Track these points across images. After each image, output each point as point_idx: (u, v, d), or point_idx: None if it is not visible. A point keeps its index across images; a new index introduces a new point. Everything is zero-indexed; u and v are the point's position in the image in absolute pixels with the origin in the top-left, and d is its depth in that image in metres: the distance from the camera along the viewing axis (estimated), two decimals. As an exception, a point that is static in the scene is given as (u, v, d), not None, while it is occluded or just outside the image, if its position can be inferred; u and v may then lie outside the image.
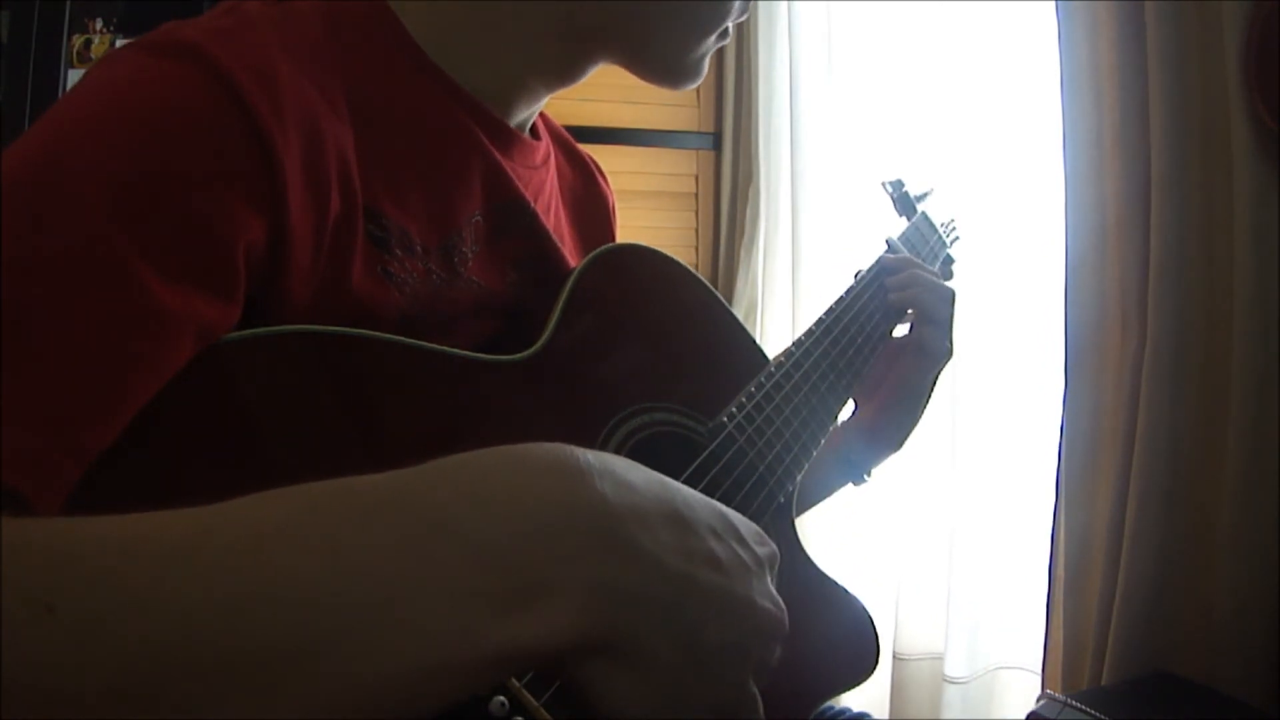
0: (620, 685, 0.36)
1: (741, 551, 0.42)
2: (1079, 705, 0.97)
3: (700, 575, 0.39)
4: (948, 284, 0.85)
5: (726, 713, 0.40)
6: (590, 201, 0.79)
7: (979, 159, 1.56)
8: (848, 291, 0.83)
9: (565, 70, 0.63)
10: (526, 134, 0.67)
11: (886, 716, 1.63)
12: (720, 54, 2.09)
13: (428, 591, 0.32)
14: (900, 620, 1.64)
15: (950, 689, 1.51)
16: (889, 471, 1.62)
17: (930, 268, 0.88)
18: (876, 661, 0.71)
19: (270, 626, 0.29)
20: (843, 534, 1.74)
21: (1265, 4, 0.99)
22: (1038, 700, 1.02)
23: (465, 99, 0.59)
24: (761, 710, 0.42)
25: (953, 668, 1.51)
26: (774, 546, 0.45)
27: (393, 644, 0.30)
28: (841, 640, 0.71)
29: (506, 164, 0.62)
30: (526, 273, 0.64)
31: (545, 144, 0.70)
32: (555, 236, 0.67)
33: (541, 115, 0.72)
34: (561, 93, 0.66)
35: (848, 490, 0.87)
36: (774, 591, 0.43)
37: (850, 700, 1.56)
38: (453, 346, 0.53)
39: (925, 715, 1.57)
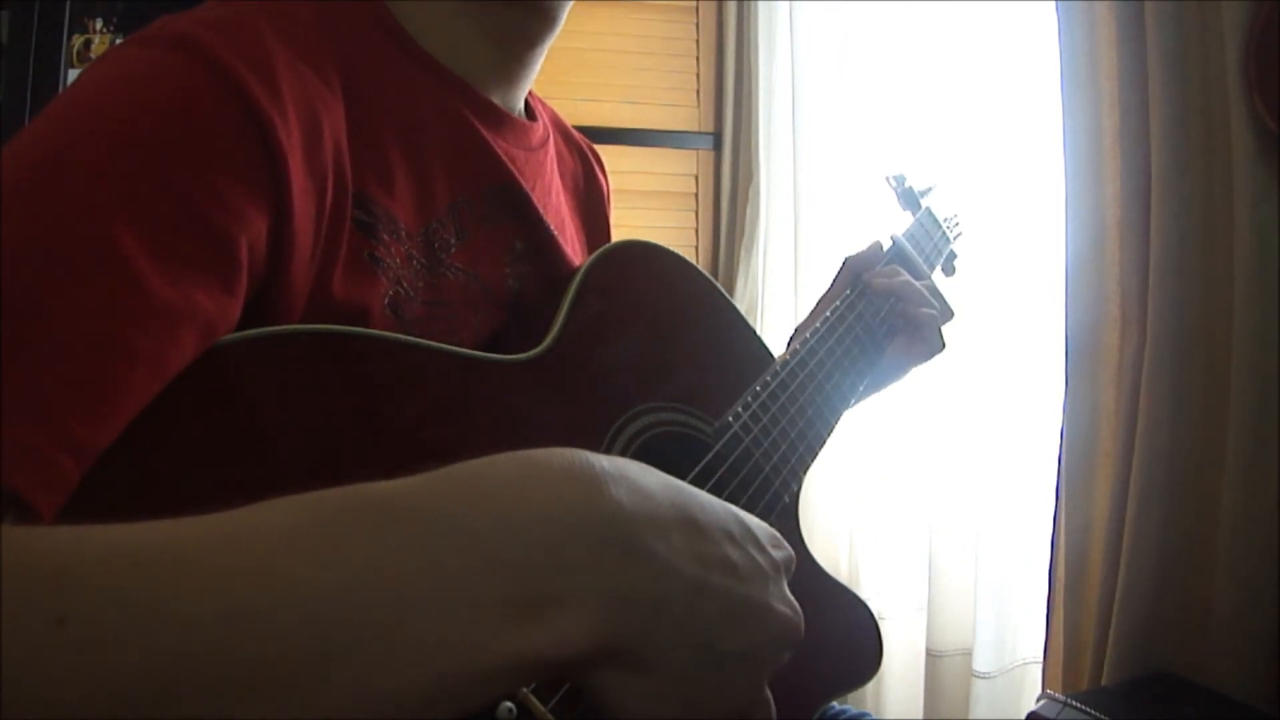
0: (636, 693, 0.36)
1: (758, 556, 0.41)
2: (1079, 705, 0.97)
3: (715, 581, 0.38)
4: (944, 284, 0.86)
5: (741, 717, 0.40)
6: (590, 190, 0.80)
7: (979, 159, 1.56)
8: (852, 288, 0.83)
9: (530, 22, 0.62)
10: (521, 115, 0.66)
11: (920, 715, 1.63)
12: (720, 54, 2.10)
13: (442, 600, 0.31)
14: (933, 617, 1.65)
15: (978, 684, 1.51)
16: (916, 468, 1.65)
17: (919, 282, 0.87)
18: (879, 663, 0.71)
19: (283, 637, 0.29)
20: (873, 529, 1.75)
21: (1265, 4, 0.99)
22: (1038, 700, 1.02)
23: (453, 81, 0.59)
24: (774, 713, 0.42)
25: (981, 663, 1.52)
26: (790, 550, 0.45)
27: (406, 653, 0.30)
28: (845, 642, 0.71)
29: (499, 145, 0.62)
30: (524, 262, 0.64)
31: (542, 126, 0.69)
32: (554, 223, 0.67)
33: (539, 100, 0.72)
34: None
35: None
36: (790, 596, 0.43)
37: (889, 699, 1.57)
38: (457, 344, 0.53)
39: (957, 712, 1.58)
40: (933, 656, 1.64)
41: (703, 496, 0.41)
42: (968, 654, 1.56)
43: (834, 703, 0.86)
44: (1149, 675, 1.07)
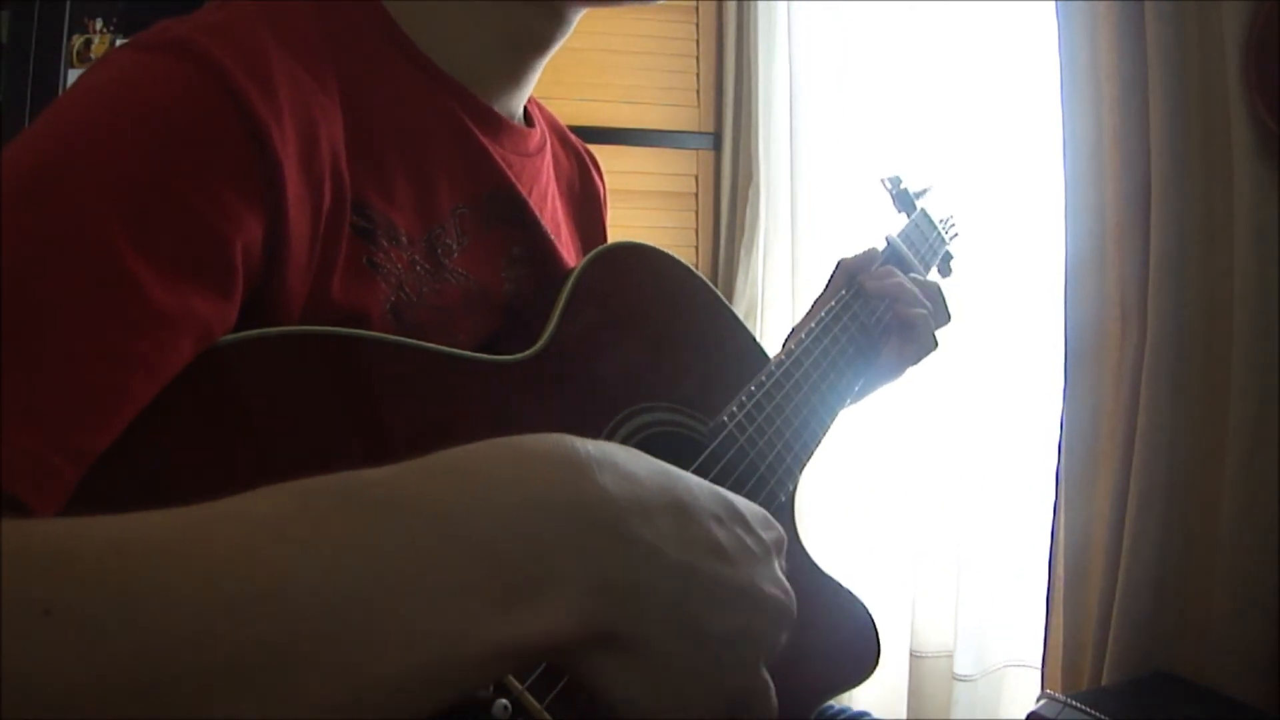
0: (626, 679, 0.36)
1: (746, 538, 0.41)
2: (1079, 705, 0.97)
3: (702, 564, 0.38)
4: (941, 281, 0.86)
5: (738, 702, 0.40)
6: (585, 193, 0.80)
7: (979, 159, 1.56)
8: (847, 289, 0.83)
9: (547, 26, 0.62)
10: (519, 121, 0.67)
11: (904, 715, 1.64)
12: (720, 54, 2.10)
13: (427, 587, 0.31)
14: (916, 618, 1.65)
15: (959, 686, 1.51)
16: (901, 469, 1.65)
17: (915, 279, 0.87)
18: (877, 662, 0.71)
19: (267, 625, 0.29)
20: (858, 531, 1.75)
21: (1265, 4, 0.99)
22: (1038, 700, 1.02)
23: (452, 86, 0.59)
24: (774, 697, 0.41)
25: (962, 665, 1.52)
26: (780, 530, 0.44)
27: (392, 640, 0.30)
28: (843, 640, 0.71)
29: (496, 151, 0.62)
30: (520, 266, 0.64)
31: (540, 131, 0.70)
32: (550, 227, 0.67)
33: (536, 104, 0.72)
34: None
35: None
36: (781, 576, 0.42)
37: (868, 699, 1.58)
38: (453, 346, 0.53)
39: (939, 713, 1.58)
40: (916, 658, 1.64)
41: (690, 479, 0.41)
42: (949, 656, 1.57)
43: (832, 702, 0.86)
44: (1149, 675, 1.07)
